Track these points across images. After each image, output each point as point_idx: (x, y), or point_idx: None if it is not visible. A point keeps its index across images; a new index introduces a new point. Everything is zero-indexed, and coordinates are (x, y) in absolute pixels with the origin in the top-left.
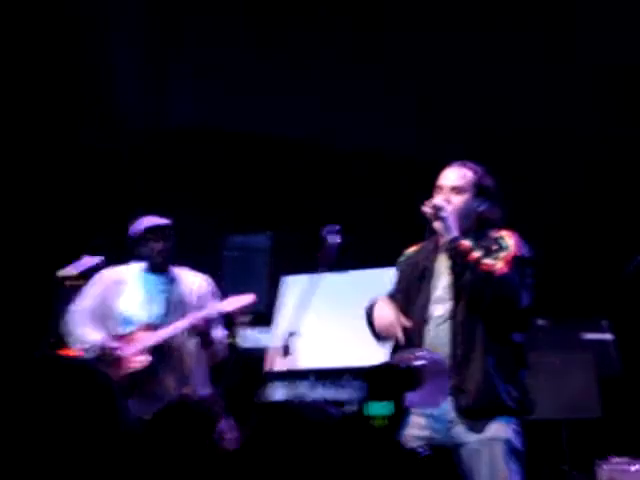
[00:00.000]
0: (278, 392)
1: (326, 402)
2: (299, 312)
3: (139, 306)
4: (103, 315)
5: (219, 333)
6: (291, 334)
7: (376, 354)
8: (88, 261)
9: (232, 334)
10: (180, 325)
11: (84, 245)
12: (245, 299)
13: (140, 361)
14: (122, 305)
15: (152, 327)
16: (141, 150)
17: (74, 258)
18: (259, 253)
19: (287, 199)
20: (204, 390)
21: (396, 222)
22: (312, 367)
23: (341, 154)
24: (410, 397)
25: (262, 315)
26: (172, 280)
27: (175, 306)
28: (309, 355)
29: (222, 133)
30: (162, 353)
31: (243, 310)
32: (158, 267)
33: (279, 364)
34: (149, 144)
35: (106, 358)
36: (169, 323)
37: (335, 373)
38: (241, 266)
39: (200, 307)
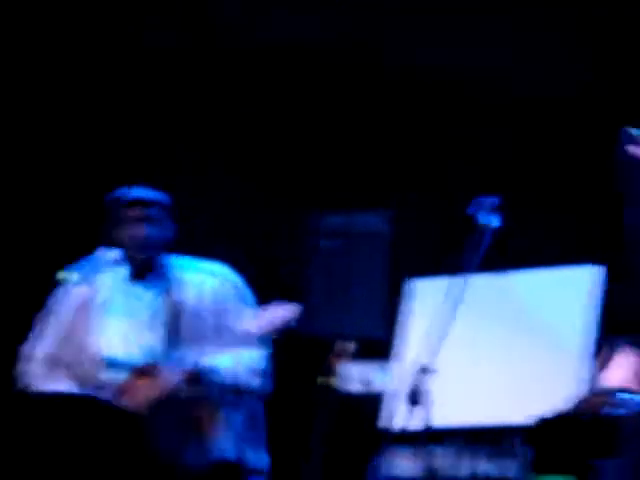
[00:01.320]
0: (402, 464)
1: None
2: (435, 337)
3: (124, 338)
4: (74, 360)
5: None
6: (422, 371)
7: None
8: (100, 254)
9: (326, 371)
10: (169, 377)
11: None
12: (283, 312)
13: None
14: (100, 340)
15: (151, 371)
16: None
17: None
18: (372, 242)
19: (413, 155)
20: (248, 455)
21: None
22: (455, 424)
23: (498, 90)
24: (605, 469)
25: (376, 342)
26: (167, 285)
27: (183, 330)
28: (450, 405)
29: (313, 54)
30: (170, 413)
31: (279, 327)
32: (139, 266)
33: (403, 419)
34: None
35: None
36: (178, 360)
37: (490, 434)
38: (344, 263)
39: (219, 324)
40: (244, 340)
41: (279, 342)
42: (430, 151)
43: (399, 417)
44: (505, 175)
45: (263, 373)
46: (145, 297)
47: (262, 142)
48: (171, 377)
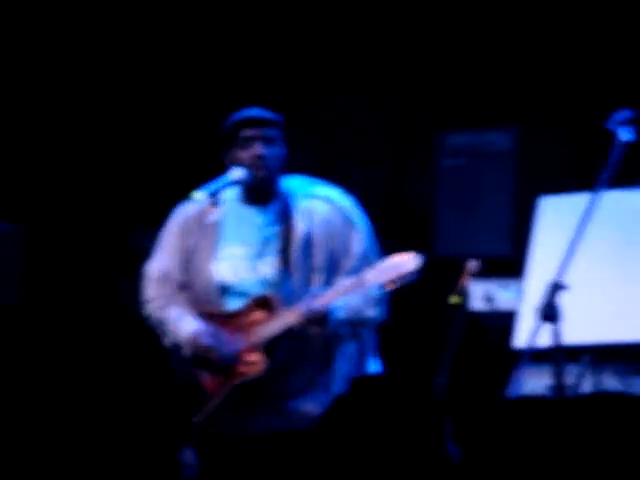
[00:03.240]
0: (534, 381)
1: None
2: (566, 253)
3: (236, 264)
4: (188, 281)
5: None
6: (555, 288)
7: None
8: (233, 175)
9: (455, 290)
10: (293, 317)
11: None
12: (405, 264)
13: (255, 365)
14: (213, 264)
15: (270, 303)
16: None
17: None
18: (498, 160)
19: (540, 70)
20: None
21: None
22: (588, 342)
23: None
24: None
25: (504, 259)
26: (280, 211)
27: (293, 258)
28: (583, 322)
29: None
30: (291, 345)
31: (399, 280)
32: (255, 189)
33: (536, 337)
34: None
35: (202, 358)
36: (291, 291)
37: (627, 352)
38: (468, 182)
39: (330, 253)
40: (360, 286)
41: None
42: (559, 64)
43: (529, 334)
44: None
45: (380, 302)
46: (258, 222)
47: (390, 61)
48: (291, 315)
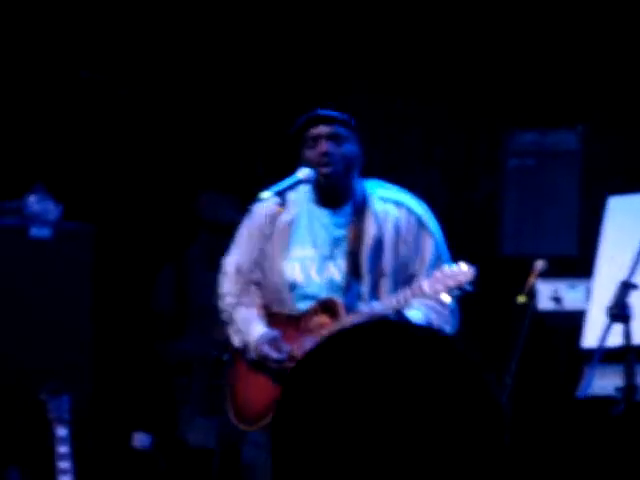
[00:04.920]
0: (603, 382)
1: None
2: (637, 253)
3: (306, 264)
4: (262, 278)
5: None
6: (626, 287)
7: None
8: (300, 174)
9: (524, 290)
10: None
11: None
12: (462, 273)
13: None
14: (287, 264)
15: (334, 308)
16: None
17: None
18: (564, 159)
19: (606, 68)
20: None
21: None
22: None
23: None
24: None
25: (572, 259)
26: (352, 214)
27: (362, 262)
28: None
29: None
30: None
31: (454, 290)
32: (327, 189)
33: (605, 337)
34: None
35: (262, 364)
36: (358, 295)
37: None
38: (535, 181)
39: (398, 258)
40: (417, 295)
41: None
42: (625, 63)
43: (599, 334)
44: None
45: (453, 314)
46: (329, 224)
47: (458, 61)
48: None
